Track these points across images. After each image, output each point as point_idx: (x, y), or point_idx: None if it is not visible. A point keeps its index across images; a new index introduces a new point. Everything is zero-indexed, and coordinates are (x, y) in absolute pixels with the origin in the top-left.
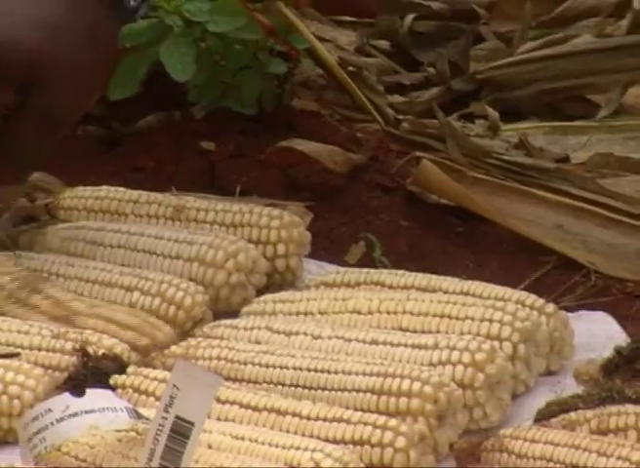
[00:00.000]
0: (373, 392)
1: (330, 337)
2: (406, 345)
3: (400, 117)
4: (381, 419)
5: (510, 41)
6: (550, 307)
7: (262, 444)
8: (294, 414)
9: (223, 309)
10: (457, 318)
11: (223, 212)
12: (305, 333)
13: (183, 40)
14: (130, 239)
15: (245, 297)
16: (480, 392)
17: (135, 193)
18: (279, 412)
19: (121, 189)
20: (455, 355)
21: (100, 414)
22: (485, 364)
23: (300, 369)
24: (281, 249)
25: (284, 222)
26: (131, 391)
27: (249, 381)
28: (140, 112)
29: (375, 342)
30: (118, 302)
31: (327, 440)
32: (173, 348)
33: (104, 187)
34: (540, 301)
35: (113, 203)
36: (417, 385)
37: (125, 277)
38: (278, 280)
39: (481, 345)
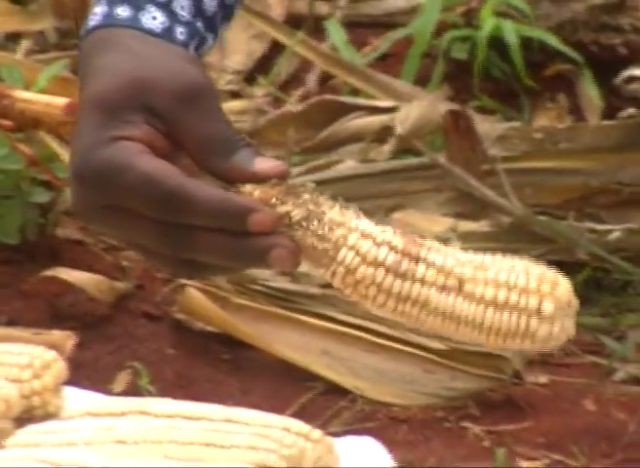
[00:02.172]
0: None
1: None
2: None
3: None
4: None
5: None
6: (316, 433)
7: None
8: None
9: None
10: (222, 446)
11: None
12: (74, 464)
13: None
14: None
15: (2, 429)
16: None
17: None
18: None
19: None
20: None
21: None
22: None
23: None
24: (37, 385)
25: (40, 360)
26: None
27: None
28: None
29: None
30: None
31: None
32: None
33: None
34: (306, 427)
35: None
36: None
37: None
38: (41, 412)
39: None
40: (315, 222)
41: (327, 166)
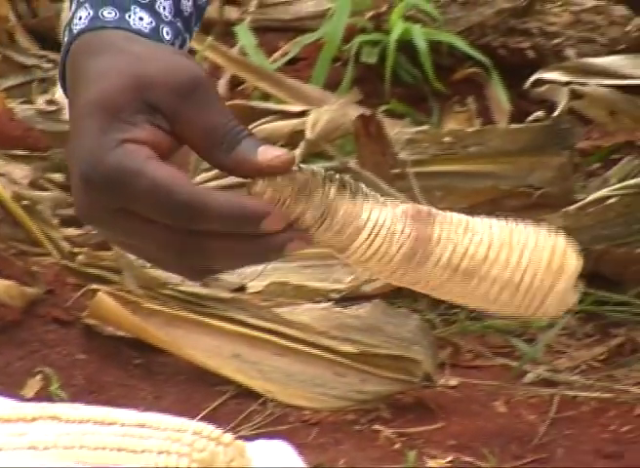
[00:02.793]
0: None
1: None
2: None
3: (76, 250)
4: None
5: None
6: (227, 437)
7: None
8: None
9: None
10: (134, 451)
11: None
12: None
13: None
14: None
15: None
16: None
17: None
18: None
19: None
20: None
21: None
22: None
23: None
24: None
25: None
26: None
27: None
28: None
29: None
30: None
31: None
32: None
33: None
34: (217, 431)
35: None
36: None
37: None
38: None
39: None
40: (329, 220)
41: None
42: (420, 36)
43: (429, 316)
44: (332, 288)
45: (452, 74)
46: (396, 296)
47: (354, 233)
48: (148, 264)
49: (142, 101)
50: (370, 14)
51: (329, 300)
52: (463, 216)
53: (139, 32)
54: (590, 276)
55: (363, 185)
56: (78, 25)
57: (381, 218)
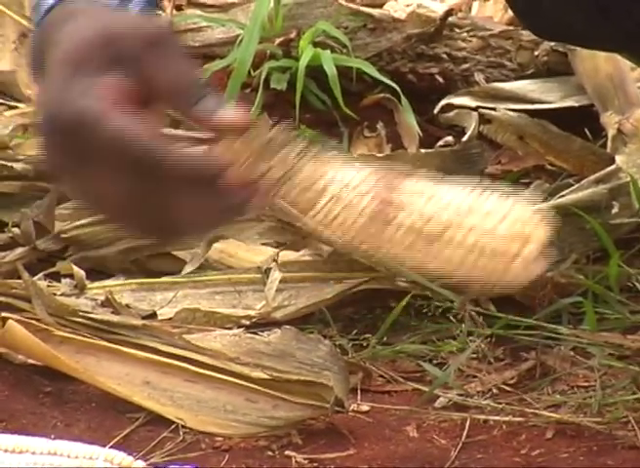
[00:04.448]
0: None
1: None
2: None
3: None
4: None
5: None
6: (139, 464)
7: None
8: None
9: None
10: None
11: None
12: None
13: None
14: None
15: None
16: None
17: None
18: None
19: None
20: None
21: None
22: None
23: None
24: None
25: None
26: None
27: None
28: None
29: None
30: None
31: None
32: None
33: None
34: (129, 458)
35: None
36: None
37: None
38: None
39: None
40: (293, 178)
41: None
42: (329, 62)
43: (340, 341)
44: (243, 314)
45: (361, 100)
46: (307, 322)
47: (319, 192)
48: (59, 292)
49: (109, 55)
50: (279, 40)
51: (240, 327)
52: (431, 183)
53: (107, 6)
54: (501, 300)
55: (331, 146)
56: (46, 5)
57: (347, 178)
